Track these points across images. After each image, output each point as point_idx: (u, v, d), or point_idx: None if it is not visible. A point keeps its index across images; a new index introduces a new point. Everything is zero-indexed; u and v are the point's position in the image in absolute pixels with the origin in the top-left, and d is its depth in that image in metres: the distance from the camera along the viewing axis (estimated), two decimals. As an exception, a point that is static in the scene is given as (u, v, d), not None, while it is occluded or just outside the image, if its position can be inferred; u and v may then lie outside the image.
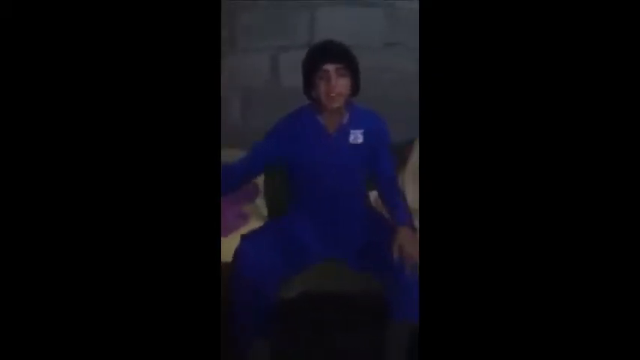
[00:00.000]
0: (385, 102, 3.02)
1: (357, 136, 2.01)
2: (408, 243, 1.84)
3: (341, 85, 1.92)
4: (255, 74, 3.01)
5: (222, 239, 2.29)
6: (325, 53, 1.93)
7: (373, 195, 2.33)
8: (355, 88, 1.98)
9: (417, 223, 2.04)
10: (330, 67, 1.90)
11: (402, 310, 1.84)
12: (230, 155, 2.77)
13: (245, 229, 2.15)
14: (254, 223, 2.27)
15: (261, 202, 2.46)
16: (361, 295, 2.11)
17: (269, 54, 2.98)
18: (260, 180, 2.35)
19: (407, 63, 2.89)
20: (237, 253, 1.95)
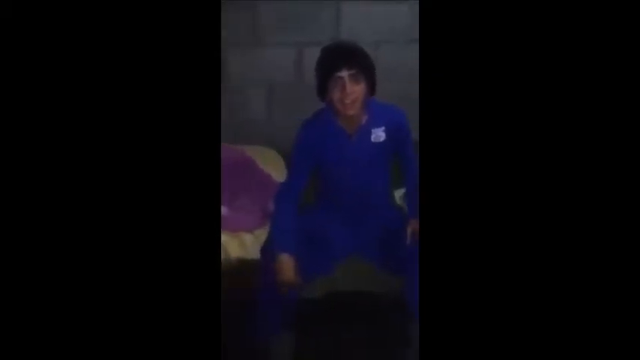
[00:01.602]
0: (409, 98, 3.00)
1: (378, 135, 1.97)
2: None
3: (355, 91, 1.86)
4: (280, 70, 3.01)
5: (245, 235, 2.31)
6: (338, 58, 1.86)
7: (398, 193, 2.32)
8: (371, 90, 1.92)
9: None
10: (343, 74, 1.83)
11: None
12: (254, 151, 2.78)
13: (266, 228, 2.15)
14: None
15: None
16: (384, 293, 2.11)
17: (294, 49, 2.97)
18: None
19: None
20: (264, 250, 1.95)
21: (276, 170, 2.65)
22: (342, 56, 1.86)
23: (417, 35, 3.06)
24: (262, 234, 2.18)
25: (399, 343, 1.94)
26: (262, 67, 2.99)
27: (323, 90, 1.89)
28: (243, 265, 2.14)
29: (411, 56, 3.04)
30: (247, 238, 2.28)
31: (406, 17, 2.99)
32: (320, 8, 2.94)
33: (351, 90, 1.84)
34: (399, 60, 3.01)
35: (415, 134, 2.06)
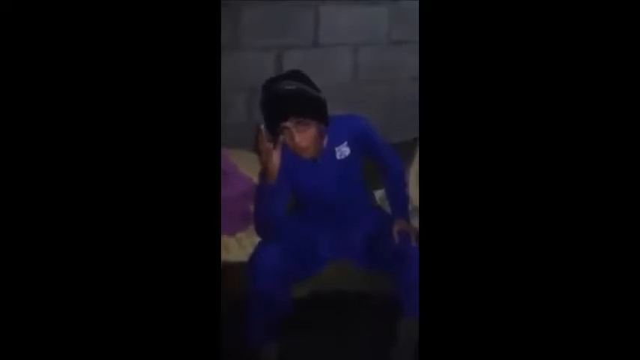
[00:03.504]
0: (390, 100, 3.01)
1: (342, 151, 1.94)
2: (405, 227, 1.96)
3: (306, 138, 1.82)
4: (260, 73, 3.00)
5: (228, 238, 2.30)
6: (281, 106, 1.79)
7: (379, 194, 2.33)
8: (324, 125, 1.86)
9: (417, 222, 2.06)
10: (289, 124, 1.79)
11: (413, 306, 1.83)
12: (235, 155, 2.77)
13: (247, 231, 2.14)
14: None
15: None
16: (371, 293, 2.11)
17: (273, 53, 2.97)
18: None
19: (412, 61, 2.89)
20: (253, 258, 1.93)
21: (257, 174, 2.64)
22: (285, 105, 1.79)
23: (395, 37, 3.09)
24: (244, 237, 2.18)
25: (389, 342, 1.95)
26: (242, 70, 2.98)
27: (271, 133, 1.82)
28: (226, 268, 2.13)
29: (390, 58, 3.06)
30: (229, 241, 2.28)
31: (385, 20, 3.00)
32: (299, 11, 2.94)
33: (300, 139, 1.81)
34: (378, 62, 3.03)
35: (404, 136, 2.09)
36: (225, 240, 2.27)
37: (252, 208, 2.02)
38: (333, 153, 1.94)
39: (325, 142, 1.92)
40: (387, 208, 2.14)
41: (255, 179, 2.58)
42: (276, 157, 1.81)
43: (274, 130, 1.82)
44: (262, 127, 1.80)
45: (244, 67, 2.97)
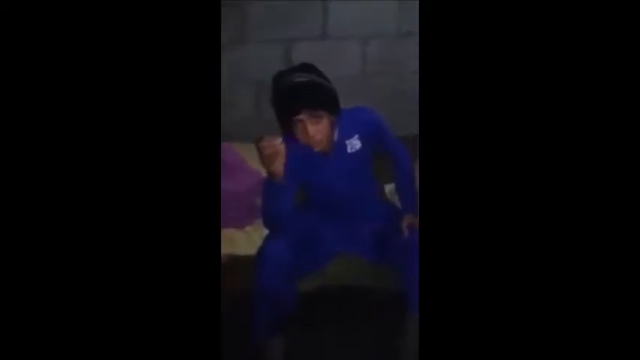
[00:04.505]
0: (398, 93, 3.00)
1: (353, 144, 1.93)
2: (414, 221, 1.96)
3: (319, 130, 1.80)
4: (268, 66, 3.00)
5: (237, 232, 2.30)
6: (294, 99, 1.78)
7: (389, 188, 2.33)
8: (335, 116, 1.84)
9: (417, 220, 2.06)
10: (303, 117, 1.77)
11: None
12: (242, 148, 2.77)
13: (255, 224, 2.14)
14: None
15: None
16: (377, 288, 2.11)
17: (282, 45, 2.97)
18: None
19: (421, 53, 2.88)
20: (260, 252, 1.92)
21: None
22: (298, 97, 1.78)
23: (404, 30, 3.08)
24: (253, 230, 2.18)
25: (395, 337, 1.95)
26: (250, 64, 2.98)
27: (284, 126, 1.81)
28: (234, 262, 2.14)
29: (399, 51, 3.05)
30: (238, 235, 2.28)
31: (393, 12, 2.99)
32: (307, 4, 2.93)
33: (314, 132, 1.79)
34: (387, 55, 3.02)
35: (412, 129, 2.07)
36: (234, 233, 2.28)
37: (260, 201, 2.02)
38: (344, 146, 1.93)
39: (336, 134, 1.91)
40: (397, 203, 2.14)
41: (263, 172, 2.59)
42: (279, 162, 1.76)
43: (287, 123, 1.80)
44: (262, 142, 1.75)
45: (252, 60, 2.97)
